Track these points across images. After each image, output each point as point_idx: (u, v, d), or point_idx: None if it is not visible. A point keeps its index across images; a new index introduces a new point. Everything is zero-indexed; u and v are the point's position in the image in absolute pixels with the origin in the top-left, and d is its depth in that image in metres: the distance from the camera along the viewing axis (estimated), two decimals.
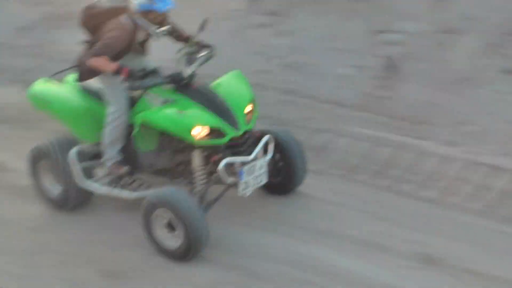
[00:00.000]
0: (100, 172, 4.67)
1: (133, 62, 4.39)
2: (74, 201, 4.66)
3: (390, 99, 5.88)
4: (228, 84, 4.46)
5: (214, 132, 4.11)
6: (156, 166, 4.53)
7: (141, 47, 4.51)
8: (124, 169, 4.58)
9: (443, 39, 6.05)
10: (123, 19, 4.28)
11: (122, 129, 4.48)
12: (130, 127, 4.43)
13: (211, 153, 4.21)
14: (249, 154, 4.19)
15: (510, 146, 5.19)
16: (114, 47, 4.20)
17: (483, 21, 5.97)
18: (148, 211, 4.17)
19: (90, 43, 4.39)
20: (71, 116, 4.66)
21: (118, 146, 4.55)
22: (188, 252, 4.10)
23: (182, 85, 4.25)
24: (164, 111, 4.20)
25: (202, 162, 4.25)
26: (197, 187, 4.29)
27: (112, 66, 4.13)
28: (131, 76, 4.10)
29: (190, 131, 4.06)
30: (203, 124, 4.08)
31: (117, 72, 4.11)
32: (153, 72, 4.44)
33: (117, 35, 4.22)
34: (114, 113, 4.45)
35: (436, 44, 6.05)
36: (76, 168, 4.52)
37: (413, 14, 6.28)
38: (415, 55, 6.04)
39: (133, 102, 4.43)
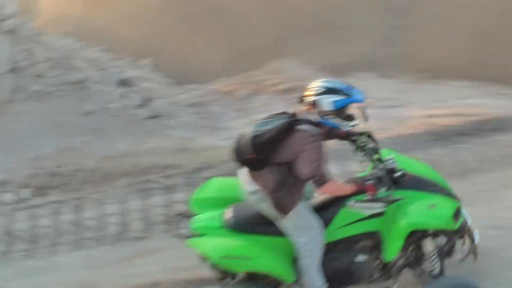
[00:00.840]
0: None
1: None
2: None
3: None
4: (407, 163, 4.48)
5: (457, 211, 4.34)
6: (378, 271, 4.54)
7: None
8: None
9: None
10: (305, 128, 4.04)
11: (320, 255, 4.32)
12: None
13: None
14: None
15: None
16: (322, 162, 3.99)
17: None
18: None
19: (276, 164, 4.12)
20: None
21: (320, 273, 4.37)
22: None
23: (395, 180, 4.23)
24: (426, 209, 4.26)
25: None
26: (435, 269, 4.37)
27: (350, 187, 4.08)
28: (378, 187, 4.05)
29: (452, 219, 4.21)
30: (453, 207, 4.26)
31: (362, 191, 4.07)
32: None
33: (317, 148, 3.99)
34: (310, 242, 4.23)
35: None
36: None
37: None
38: None
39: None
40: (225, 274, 4.51)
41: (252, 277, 4.45)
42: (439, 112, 7.13)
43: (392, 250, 4.29)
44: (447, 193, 4.31)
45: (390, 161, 4.19)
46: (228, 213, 4.41)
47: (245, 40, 8.81)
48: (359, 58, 8.55)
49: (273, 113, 4.20)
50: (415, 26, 8.80)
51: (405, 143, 6.35)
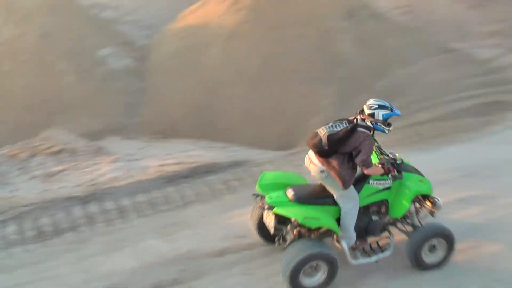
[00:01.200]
0: (353, 253, 6.31)
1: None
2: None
3: None
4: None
5: None
6: (384, 226, 6.48)
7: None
8: (367, 240, 6.38)
9: None
10: (364, 132, 5.99)
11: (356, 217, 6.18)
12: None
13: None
14: None
15: None
16: (371, 153, 5.92)
17: None
18: (425, 239, 6.28)
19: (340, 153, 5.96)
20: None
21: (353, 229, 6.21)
22: (441, 263, 6.43)
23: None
24: (418, 181, 6.39)
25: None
26: (415, 222, 6.50)
27: (382, 169, 6.09)
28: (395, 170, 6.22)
29: (432, 187, 6.41)
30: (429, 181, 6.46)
31: (388, 172, 6.12)
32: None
33: (370, 143, 5.94)
34: (352, 208, 6.11)
35: None
36: (348, 256, 6.22)
37: None
38: None
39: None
40: (280, 236, 6.25)
41: (300, 236, 6.17)
42: (168, 162, 8.83)
43: (402, 210, 6.39)
44: (421, 174, 6.51)
45: (392, 154, 6.48)
46: (290, 192, 6.18)
47: (23, 115, 10.30)
48: (109, 126, 10.28)
49: (335, 119, 6.13)
50: (149, 102, 10.86)
51: (145, 186, 8.14)
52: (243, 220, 7.20)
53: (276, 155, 9.26)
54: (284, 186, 6.39)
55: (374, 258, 6.35)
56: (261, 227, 6.69)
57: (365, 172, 6.02)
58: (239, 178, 8.50)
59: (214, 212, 7.70)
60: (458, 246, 6.44)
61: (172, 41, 11.35)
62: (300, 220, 5.98)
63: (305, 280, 6.10)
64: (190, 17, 11.79)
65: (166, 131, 10.19)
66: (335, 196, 6.15)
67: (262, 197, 6.42)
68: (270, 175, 6.63)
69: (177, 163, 8.83)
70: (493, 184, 7.96)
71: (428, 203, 6.53)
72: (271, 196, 6.23)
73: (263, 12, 10.94)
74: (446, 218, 6.80)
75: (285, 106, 10.09)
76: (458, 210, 7.35)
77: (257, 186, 6.47)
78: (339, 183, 5.98)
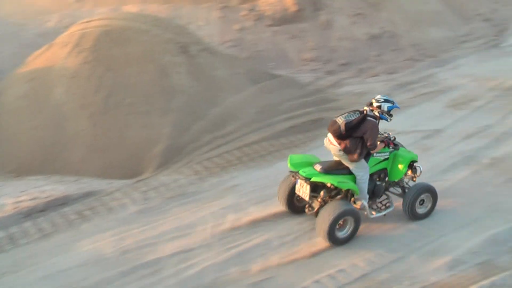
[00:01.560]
0: (368, 209, 8.35)
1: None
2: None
3: None
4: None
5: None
6: (385, 189, 8.67)
7: None
8: (375, 200, 8.50)
9: None
10: (372, 120, 8.05)
11: (367, 182, 8.17)
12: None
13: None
14: None
15: None
16: (376, 136, 8.09)
17: None
18: (418, 195, 8.41)
19: (353, 137, 8.01)
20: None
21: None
22: (429, 213, 8.67)
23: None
24: (408, 152, 8.63)
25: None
26: (405, 185, 8.73)
27: (382, 145, 8.37)
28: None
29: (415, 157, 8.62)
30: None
31: (388, 145, 8.42)
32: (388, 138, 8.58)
33: (376, 130, 8.06)
34: (364, 175, 8.14)
35: None
36: (368, 211, 8.31)
37: None
38: None
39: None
40: (308, 205, 8.30)
41: (325, 202, 8.09)
42: (24, 198, 9.33)
43: (400, 174, 8.56)
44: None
45: (388, 134, 8.66)
46: (317, 167, 8.15)
47: None
48: None
49: (351, 110, 8.15)
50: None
51: (2, 222, 8.74)
52: (99, 245, 8.24)
53: (124, 183, 10.14)
54: (309, 164, 8.30)
55: (384, 212, 8.48)
56: (289, 200, 8.62)
57: (372, 152, 8.19)
58: (91, 207, 9.37)
59: (70, 240, 8.48)
60: None
61: (20, 84, 11.80)
62: (336, 183, 7.96)
63: (338, 233, 7.97)
64: (36, 60, 12.33)
65: (19, 170, 10.65)
66: (350, 168, 8.13)
67: (295, 173, 8.25)
68: (296, 157, 8.55)
69: (32, 199, 9.43)
70: None
71: (409, 171, 8.67)
72: (304, 171, 8.10)
73: (103, 52, 11.80)
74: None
75: (128, 137, 10.92)
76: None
77: (289, 165, 8.40)
78: (354, 157, 7.98)
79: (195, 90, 12.11)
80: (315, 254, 8.02)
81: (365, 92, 14.35)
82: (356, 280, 7.54)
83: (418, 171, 8.65)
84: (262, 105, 12.66)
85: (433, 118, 12.10)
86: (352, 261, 7.85)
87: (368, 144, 7.96)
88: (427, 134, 11.77)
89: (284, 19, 17.29)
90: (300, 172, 8.13)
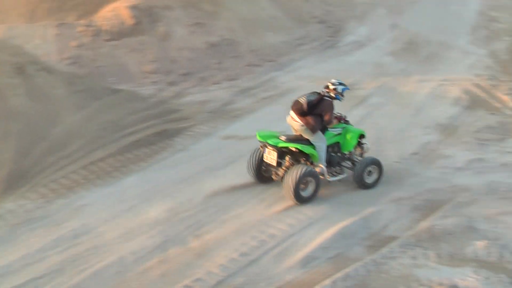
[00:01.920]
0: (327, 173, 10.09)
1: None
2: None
3: None
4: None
5: None
6: (343, 159, 10.46)
7: None
8: (331, 168, 10.24)
9: None
10: (329, 100, 9.98)
11: (325, 152, 9.84)
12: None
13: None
14: None
15: None
16: (332, 113, 9.92)
17: None
18: (366, 166, 10.18)
19: (313, 114, 9.82)
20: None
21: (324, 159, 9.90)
22: (376, 182, 10.40)
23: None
24: (357, 129, 10.55)
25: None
26: (355, 158, 10.58)
27: (337, 120, 10.28)
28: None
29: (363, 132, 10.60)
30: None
31: (340, 121, 10.32)
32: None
33: (332, 108, 9.92)
34: (322, 145, 9.89)
35: None
36: (326, 174, 10.00)
37: None
38: None
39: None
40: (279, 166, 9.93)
41: (293, 164, 9.85)
42: None
43: (351, 145, 10.44)
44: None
45: (341, 113, 10.43)
46: (282, 137, 9.85)
47: None
48: None
49: (310, 92, 10.03)
50: None
51: None
52: None
53: None
54: (274, 136, 9.90)
55: (339, 177, 10.29)
56: (258, 170, 10.22)
57: (328, 126, 10.09)
58: None
59: None
60: None
61: None
62: (300, 147, 9.68)
63: (302, 193, 9.55)
64: None
65: None
66: (310, 139, 9.84)
67: (264, 143, 9.92)
68: (263, 132, 10.15)
69: None
70: None
71: (358, 149, 10.56)
72: (272, 140, 9.77)
73: None
74: None
75: None
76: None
77: (258, 137, 10.02)
78: (312, 130, 9.71)
79: (35, 111, 12.02)
80: (168, 269, 8.34)
81: (208, 100, 15.03)
82: (214, 287, 7.96)
83: (365, 147, 10.62)
84: (104, 121, 12.82)
85: (275, 121, 12.70)
86: (207, 268, 8.29)
87: (326, 118, 9.84)
88: None
89: (122, 33, 17.45)
90: (269, 141, 9.79)
